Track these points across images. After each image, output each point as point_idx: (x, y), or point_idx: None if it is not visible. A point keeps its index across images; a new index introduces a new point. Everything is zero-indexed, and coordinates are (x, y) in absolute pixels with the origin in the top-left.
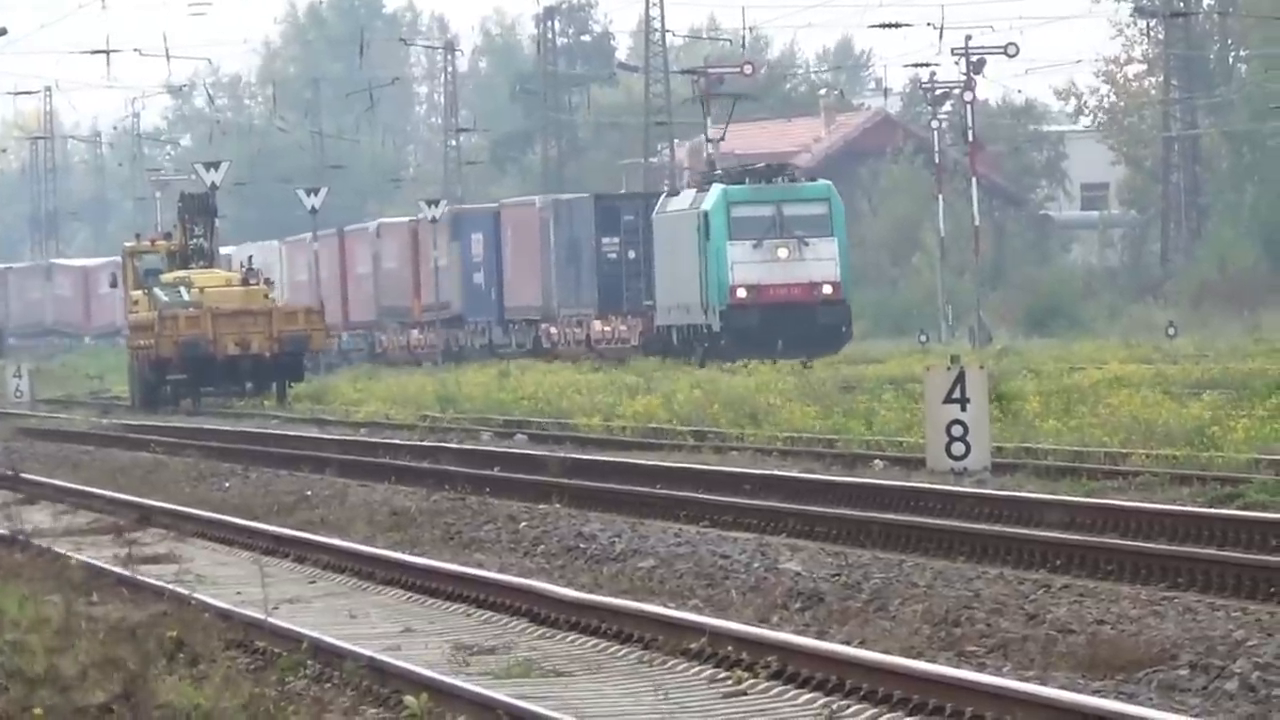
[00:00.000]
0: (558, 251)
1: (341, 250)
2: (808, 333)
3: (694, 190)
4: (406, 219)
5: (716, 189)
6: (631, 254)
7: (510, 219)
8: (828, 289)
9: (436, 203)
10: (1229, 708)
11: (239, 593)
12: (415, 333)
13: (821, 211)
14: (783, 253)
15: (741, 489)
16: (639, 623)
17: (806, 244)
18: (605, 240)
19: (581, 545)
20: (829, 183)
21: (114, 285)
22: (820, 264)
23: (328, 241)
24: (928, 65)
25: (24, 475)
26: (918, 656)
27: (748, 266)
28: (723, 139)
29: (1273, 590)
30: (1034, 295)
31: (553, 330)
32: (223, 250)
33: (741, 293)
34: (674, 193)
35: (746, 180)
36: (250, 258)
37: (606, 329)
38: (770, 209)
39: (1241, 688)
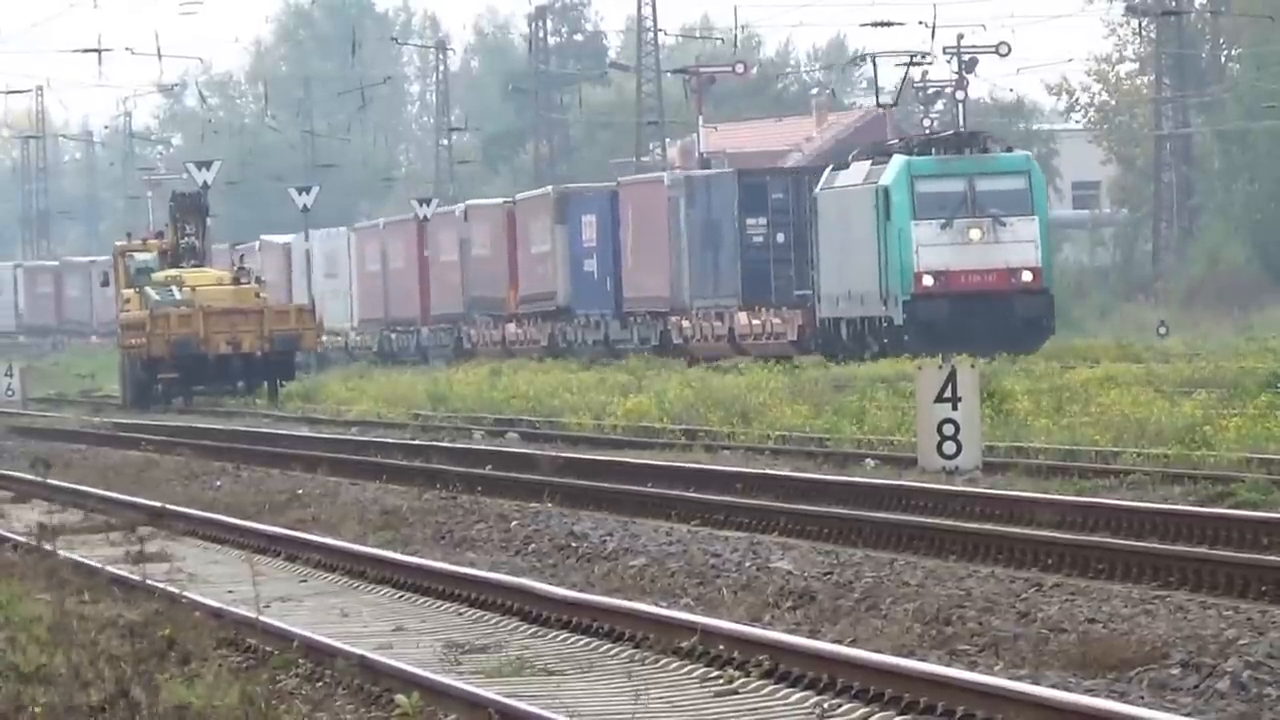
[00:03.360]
0: (690, 235)
1: (421, 236)
2: (1004, 326)
3: (868, 162)
4: (500, 200)
5: (898, 160)
6: (780, 237)
7: (631, 198)
8: (1027, 275)
9: (428, 201)
10: (1220, 706)
11: (230, 591)
12: (512, 326)
13: (1020, 186)
14: (975, 234)
15: (733, 488)
16: (630, 621)
17: (1003, 224)
18: (750, 221)
19: (573, 544)
20: (1028, 153)
21: (105, 284)
22: (1019, 247)
23: (404, 227)
24: (920, 64)
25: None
26: (909, 655)
27: (935, 250)
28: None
29: (1264, 589)
30: None
31: (685, 324)
32: (278, 240)
33: (928, 280)
34: (842, 165)
35: (933, 150)
36: (242, 256)
37: (755, 322)
38: (961, 183)
39: (1233, 686)
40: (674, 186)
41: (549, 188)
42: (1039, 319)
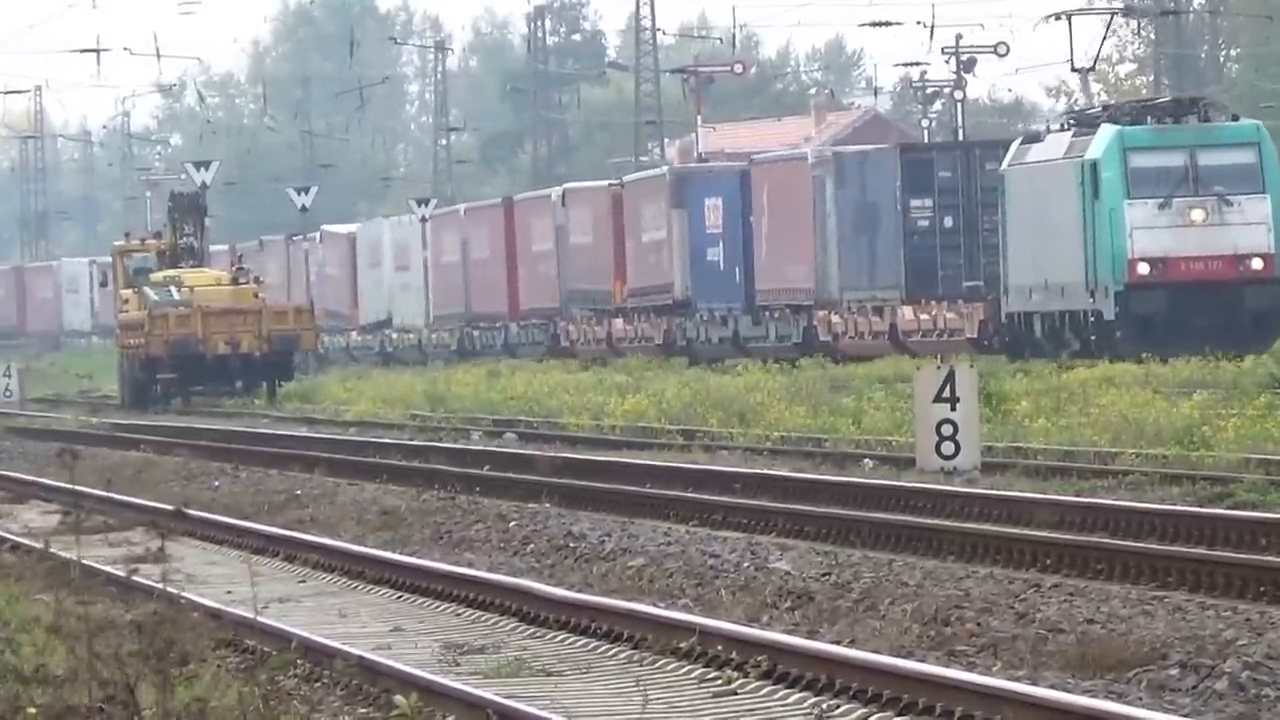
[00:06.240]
0: (840, 218)
1: (509, 223)
2: (1231, 321)
3: (1068, 134)
4: (605, 183)
5: (1108, 131)
6: (948, 220)
7: (766, 178)
8: (1257, 263)
9: (426, 202)
10: (1219, 707)
11: (229, 592)
12: (619, 322)
13: (1249, 160)
14: (1198, 215)
15: (731, 488)
16: (629, 622)
17: (1229, 203)
18: (914, 203)
19: (571, 544)
20: (1258, 122)
21: (104, 284)
22: (1248, 229)
23: (489, 214)
24: (918, 64)
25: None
26: (908, 656)
27: (1152, 233)
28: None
29: (1263, 589)
30: None
31: (834, 319)
32: (342, 230)
33: (1143, 268)
34: (1033, 138)
35: (1147, 119)
36: (240, 256)
37: (924, 317)
38: (1180, 157)
39: (1231, 687)
40: (820, 165)
41: (664, 168)
42: (1271, 312)
